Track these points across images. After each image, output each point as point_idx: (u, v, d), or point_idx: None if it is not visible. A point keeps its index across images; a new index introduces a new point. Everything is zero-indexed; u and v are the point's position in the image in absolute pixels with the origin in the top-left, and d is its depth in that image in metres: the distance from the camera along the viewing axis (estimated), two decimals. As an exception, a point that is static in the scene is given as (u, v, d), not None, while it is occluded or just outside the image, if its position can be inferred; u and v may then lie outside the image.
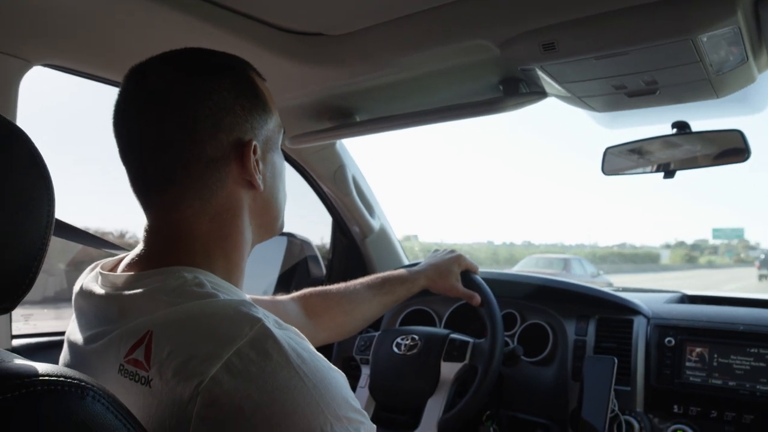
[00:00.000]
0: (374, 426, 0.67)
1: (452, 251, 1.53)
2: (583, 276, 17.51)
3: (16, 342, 1.35)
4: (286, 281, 2.13)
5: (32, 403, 0.49)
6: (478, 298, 1.44)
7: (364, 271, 2.14)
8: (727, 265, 48.79)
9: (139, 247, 0.78)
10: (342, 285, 1.38)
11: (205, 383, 0.58)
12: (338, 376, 0.66)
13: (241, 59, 0.82)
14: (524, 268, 18.75)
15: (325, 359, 0.67)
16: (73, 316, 0.82)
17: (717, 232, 58.56)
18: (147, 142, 0.74)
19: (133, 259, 0.78)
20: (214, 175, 0.75)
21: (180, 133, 0.73)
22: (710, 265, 48.37)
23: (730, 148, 1.42)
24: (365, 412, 0.67)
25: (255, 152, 0.77)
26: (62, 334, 0.85)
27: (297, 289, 1.38)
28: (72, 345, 0.79)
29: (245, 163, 0.76)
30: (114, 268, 0.80)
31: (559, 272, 16.67)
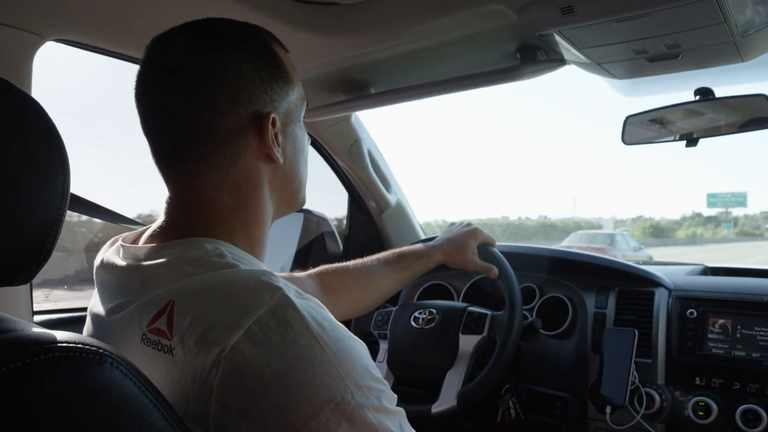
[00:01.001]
0: (395, 395, 0.67)
1: (468, 224, 1.52)
2: (626, 250, 18.24)
3: (37, 318, 1.36)
4: (303, 258, 2.14)
5: (51, 369, 0.49)
6: (495, 271, 1.42)
7: (381, 246, 2.14)
8: (722, 240, 44.06)
9: (160, 219, 0.79)
10: (358, 261, 1.38)
11: (227, 351, 0.59)
12: (359, 346, 0.66)
13: (263, 29, 0.81)
14: (571, 243, 19.56)
15: (346, 329, 0.67)
16: (95, 289, 0.83)
17: (712, 199, 47.57)
18: (167, 114, 0.74)
19: (154, 231, 0.78)
20: (233, 147, 0.75)
21: (199, 105, 0.73)
22: (692, 240, 42.55)
23: (756, 114, 1.38)
24: (386, 381, 0.67)
25: (274, 125, 0.77)
26: (83, 310, 0.85)
27: (314, 265, 1.39)
28: (95, 317, 0.80)
29: (263, 136, 0.76)
30: (135, 241, 0.81)
31: (606, 247, 17.67)
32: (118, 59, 1.34)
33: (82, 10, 1.14)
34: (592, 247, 17.40)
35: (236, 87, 0.74)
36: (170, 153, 0.76)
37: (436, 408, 1.37)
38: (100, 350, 0.53)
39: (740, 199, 46.81)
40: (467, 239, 1.45)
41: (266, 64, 0.77)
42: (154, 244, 0.75)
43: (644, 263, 1.92)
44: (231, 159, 0.75)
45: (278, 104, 0.78)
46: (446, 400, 1.37)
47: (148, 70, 0.76)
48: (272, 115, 0.76)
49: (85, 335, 0.79)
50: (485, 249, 1.48)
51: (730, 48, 1.14)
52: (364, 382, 0.62)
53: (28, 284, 1.25)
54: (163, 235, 0.77)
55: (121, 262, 0.76)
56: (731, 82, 1.46)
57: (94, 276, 0.83)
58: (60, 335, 0.52)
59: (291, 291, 0.64)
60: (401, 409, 0.67)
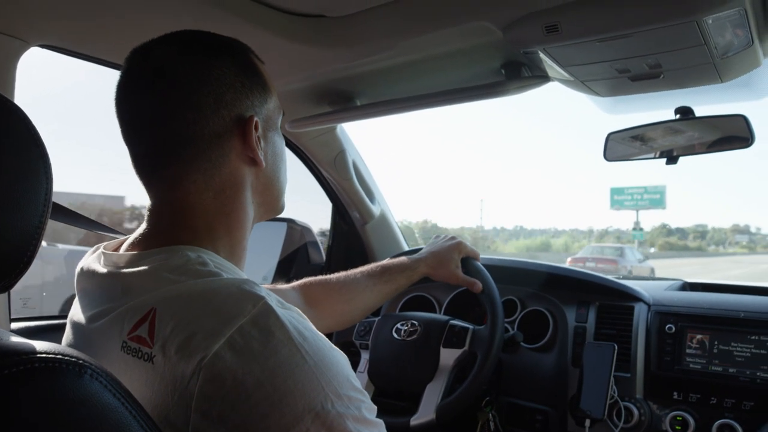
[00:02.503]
0: (375, 406, 0.68)
1: (453, 238, 1.52)
2: (633, 262, 20.36)
3: (15, 325, 1.34)
4: (285, 268, 2.13)
5: (30, 380, 0.49)
6: (478, 285, 1.43)
7: (365, 257, 2.14)
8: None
9: (142, 227, 0.79)
10: (342, 274, 1.37)
11: (208, 359, 0.59)
12: (339, 356, 0.67)
13: (240, 42, 0.83)
14: (586, 255, 22.11)
15: (327, 339, 0.67)
16: (76, 297, 0.82)
17: (618, 196, 32.90)
18: (151, 119, 0.75)
19: (136, 238, 0.78)
20: (217, 150, 0.76)
21: (183, 109, 0.74)
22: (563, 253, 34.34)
23: (734, 134, 1.41)
24: (366, 392, 0.67)
25: (257, 128, 0.78)
26: (62, 317, 0.84)
27: (297, 275, 1.38)
28: (75, 325, 0.79)
29: (247, 139, 0.77)
30: (117, 249, 0.81)
31: (617, 258, 20.28)
32: (102, 65, 1.34)
33: (67, 16, 1.14)
34: (604, 258, 20.28)
35: (220, 90, 0.75)
36: (153, 158, 0.76)
37: (415, 420, 1.37)
38: (80, 361, 0.52)
39: (656, 197, 32.40)
40: (451, 253, 1.46)
41: (246, 71, 0.79)
42: (135, 252, 0.75)
43: (624, 278, 1.94)
44: (215, 162, 0.76)
45: (259, 109, 0.80)
46: (425, 412, 1.37)
47: (130, 76, 0.77)
48: (255, 119, 0.78)
49: (64, 344, 0.79)
50: (469, 263, 1.48)
51: (709, 69, 1.16)
52: (344, 391, 0.63)
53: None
54: (144, 242, 0.77)
55: (102, 270, 0.76)
56: (711, 102, 1.48)
57: (75, 284, 0.83)
58: (39, 345, 0.52)
59: (273, 300, 0.65)
60: (381, 421, 0.68)
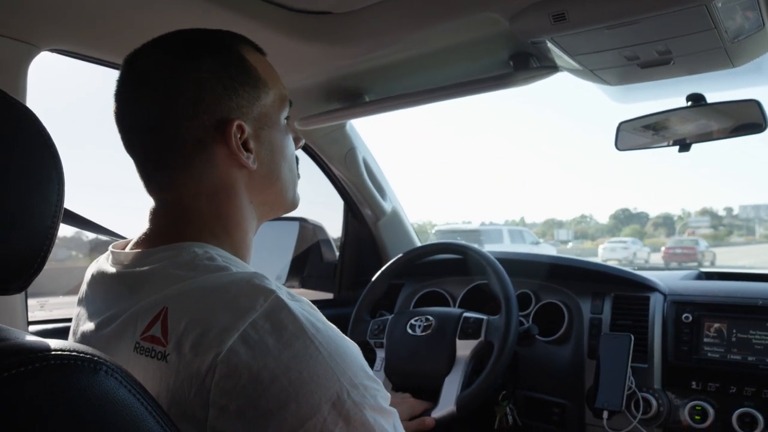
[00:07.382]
0: (389, 394, 0.68)
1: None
2: (703, 249, 24.23)
3: (32, 328, 1.36)
4: (299, 266, 2.14)
5: (45, 377, 0.49)
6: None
7: (377, 254, 2.14)
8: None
9: (145, 227, 0.79)
10: None
11: (223, 355, 0.59)
12: (352, 346, 0.67)
13: (232, 34, 0.81)
14: (673, 245, 25.91)
15: (338, 330, 0.68)
16: (81, 307, 0.82)
17: None
18: (138, 127, 0.76)
19: (140, 237, 0.79)
20: (201, 156, 0.75)
21: (163, 117, 0.74)
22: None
23: (747, 119, 1.39)
24: (380, 381, 0.67)
25: (243, 131, 0.76)
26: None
27: (310, 273, 1.38)
28: (83, 335, 0.78)
29: (229, 144, 0.75)
30: (124, 248, 0.81)
31: (694, 246, 24.27)
32: (113, 69, 1.34)
33: (78, 21, 1.15)
34: (687, 247, 24.30)
35: (198, 96, 0.74)
36: (145, 164, 0.77)
37: (436, 414, 1.36)
38: (95, 358, 0.53)
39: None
40: None
41: (231, 71, 0.76)
42: (141, 250, 0.75)
43: (640, 268, 1.93)
44: (202, 167, 0.75)
45: (247, 110, 0.77)
46: (445, 405, 1.37)
47: (121, 84, 0.77)
48: (237, 122, 0.75)
49: None
50: (478, 255, 1.48)
51: (720, 54, 1.14)
52: (359, 381, 0.63)
53: (24, 294, 1.24)
54: (149, 241, 0.77)
55: (111, 269, 0.77)
56: (723, 88, 1.47)
57: (85, 288, 0.83)
58: (54, 343, 0.52)
59: (284, 293, 0.65)
60: (395, 410, 0.68)
